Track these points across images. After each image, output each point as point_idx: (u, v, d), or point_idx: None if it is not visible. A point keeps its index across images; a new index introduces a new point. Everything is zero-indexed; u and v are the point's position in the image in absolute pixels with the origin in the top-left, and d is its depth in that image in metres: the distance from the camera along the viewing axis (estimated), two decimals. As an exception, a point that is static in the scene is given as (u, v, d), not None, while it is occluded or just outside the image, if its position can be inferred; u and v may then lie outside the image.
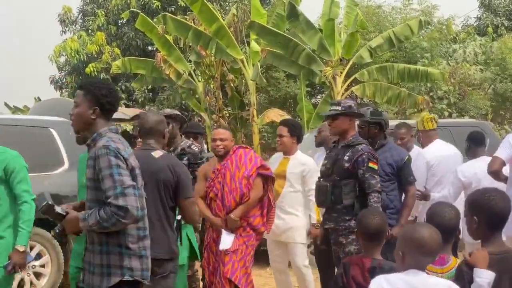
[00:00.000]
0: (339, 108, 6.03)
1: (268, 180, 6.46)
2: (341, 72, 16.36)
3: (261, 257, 8.49)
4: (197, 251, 6.10)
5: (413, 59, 20.13)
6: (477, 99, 19.52)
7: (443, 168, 7.41)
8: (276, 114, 17.24)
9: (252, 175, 6.30)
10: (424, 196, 7.13)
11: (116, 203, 3.67)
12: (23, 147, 7.44)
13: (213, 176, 6.41)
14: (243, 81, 18.80)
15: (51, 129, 8.09)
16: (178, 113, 7.00)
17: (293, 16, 15.85)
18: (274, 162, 7.22)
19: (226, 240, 6.25)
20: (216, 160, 6.52)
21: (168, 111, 7.03)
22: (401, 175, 6.46)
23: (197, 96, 19.37)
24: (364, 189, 5.84)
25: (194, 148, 6.90)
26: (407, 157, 6.52)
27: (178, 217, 5.19)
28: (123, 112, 9.72)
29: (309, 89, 21.28)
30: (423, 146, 7.78)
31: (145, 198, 4.35)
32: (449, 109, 18.45)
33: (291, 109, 20.79)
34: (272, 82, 20.21)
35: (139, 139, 6.48)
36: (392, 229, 6.09)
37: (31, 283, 7.77)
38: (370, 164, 5.85)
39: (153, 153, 4.96)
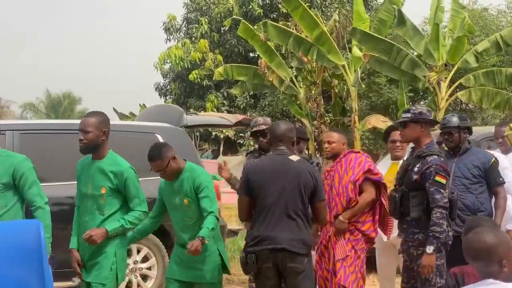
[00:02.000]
0: (408, 115, 5.85)
1: (380, 185, 6.36)
2: (446, 77, 16.03)
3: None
4: (228, 265, 5.80)
5: (521, 63, 19.53)
6: None
7: None
8: (377, 120, 17.06)
9: (358, 180, 6.23)
10: None
11: None
12: (130, 152, 7.67)
13: (323, 177, 6.38)
14: (345, 87, 18.71)
15: (156, 135, 8.24)
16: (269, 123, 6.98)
17: (401, 22, 15.70)
18: (381, 168, 7.10)
19: None
20: (331, 163, 6.58)
21: (262, 121, 7.04)
22: (489, 177, 6.37)
23: (298, 102, 19.40)
24: (429, 203, 5.62)
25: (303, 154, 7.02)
26: (493, 159, 6.41)
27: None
28: (225, 117, 9.79)
29: (411, 94, 20.98)
30: None
31: (286, 197, 5.09)
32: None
33: (393, 115, 20.54)
34: (374, 88, 20.03)
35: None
36: None
37: (138, 285, 7.95)
38: (437, 178, 5.59)
39: (291, 157, 5.25)
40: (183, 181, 5.59)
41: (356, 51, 16.93)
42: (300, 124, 20.43)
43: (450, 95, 16.44)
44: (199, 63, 23.41)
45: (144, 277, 8.04)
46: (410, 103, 19.53)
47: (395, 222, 6.37)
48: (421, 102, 22.53)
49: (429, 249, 5.54)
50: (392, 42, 16.13)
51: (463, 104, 20.86)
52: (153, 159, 5.60)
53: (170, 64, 24.76)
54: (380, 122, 16.41)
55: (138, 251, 7.95)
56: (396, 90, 19.89)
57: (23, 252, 3.43)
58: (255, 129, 6.89)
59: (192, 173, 5.59)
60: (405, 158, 6.37)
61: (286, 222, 5.12)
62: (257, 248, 5.11)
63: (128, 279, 7.93)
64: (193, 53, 23.30)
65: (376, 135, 19.26)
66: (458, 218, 6.18)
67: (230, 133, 18.32)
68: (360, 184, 6.28)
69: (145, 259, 8.00)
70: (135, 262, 7.90)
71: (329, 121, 20.05)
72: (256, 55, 21.31)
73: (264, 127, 6.87)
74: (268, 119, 7.15)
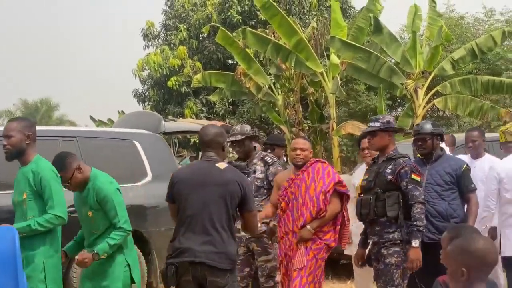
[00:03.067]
0: (377, 124, 6.02)
1: (343, 197, 6.40)
2: (423, 85, 16.17)
3: (342, 271, 8.46)
4: (136, 277, 5.65)
5: (497, 71, 19.70)
6: None
7: None
8: (353, 127, 17.12)
9: (329, 191, 6.23)
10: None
11: None
12: (108, 159, 7.71)
13: (287, 185, 6.40)
14: (323, 94, 18.80)
15: (135, 142, 8.24)
16: (248, 131, 7.06)
17: (378, 30, 15.84)
18: (359, 174, 7.16)
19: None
20: (292, 170, 6.51)
21: (239, 130, 7.09)
22: (461, 184, 6.47)
23: (277, 109, 19.45)
24: (407, 201, 5.80)
25: (267, 159, 7.04)
26: (465, 166, 6.53)
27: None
28: (202, 124, 9.82)
29: (389, 102, 21.11)
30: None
31: (210, 208, 4.74)
32: (534, 123, 17.96)
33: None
34: (352, 95, 20.15)
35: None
36: None
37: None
38: (413, 176, 5.82)
39: (217, 165, 4.94)
40: (88, 192, 5.38)
41: (334, 58, 17.03)
42: (278, 131, 20.49)
43: (427, 102, 16.59)
44: (177, 69, 23.39)
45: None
46: (388, 110, 19.70)
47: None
48: (399, 109, 22.71)
49: (415, 243, 5.69)
50: (370, 50, 16.26)
51: (440, 111, 21.02)
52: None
53: (149, 70, 24.72)
54: (356, 128, 16.48)
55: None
56: (374, 97, 20.01)
57: (-2, 259, 3.42)
58: (231, 138, 6.92)
59: (94, 183, 5.37)
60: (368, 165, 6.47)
61: (209, 235, 4.77)
62: (177, 260, 4.79)
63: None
64: (172, 59, 23.28)
65: (354, 142, 19.35)
66: (432, 225, 6.30)
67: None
68: (330, 195, 6.28)
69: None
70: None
71: (307, 128, 20.12)
72: (235, 62, 21.34)
73: (240, 137, 6.95)
74: (246, 127, 7.17)
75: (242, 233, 6.89)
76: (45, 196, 5.25)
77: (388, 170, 5.90)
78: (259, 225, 6.97)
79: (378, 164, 6.05)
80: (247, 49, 18.20)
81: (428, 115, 20.47)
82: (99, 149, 7.80)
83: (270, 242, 7.02)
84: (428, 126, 6.61)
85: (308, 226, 6.20)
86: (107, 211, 5.35)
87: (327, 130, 18.40)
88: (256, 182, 6.96)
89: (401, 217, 5.81)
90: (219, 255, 4.78)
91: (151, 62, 23.56)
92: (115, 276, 5.42)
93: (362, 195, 6.15)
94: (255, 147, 7.21)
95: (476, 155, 7.70)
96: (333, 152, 17.84)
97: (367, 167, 6.67)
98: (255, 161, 7.03)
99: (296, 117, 19.14)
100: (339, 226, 6.41)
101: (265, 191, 7.01)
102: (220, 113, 23.23)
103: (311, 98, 19.08)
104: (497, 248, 3.26)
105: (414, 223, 5.73)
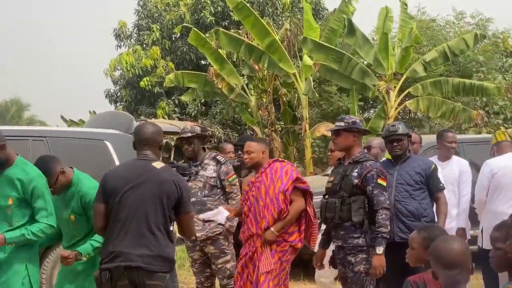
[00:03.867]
0: (342, 124, 5.97)
1: (307, 194, 6.30)
2: (395, 87, 16.26)
3: (314, 272, 8.48)
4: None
5: (467, 73, 19.86)
6: (534, 114, 19.14)
7: (508, 180, 7.26)
8: (327, 128, 17.20)
9: (288, 189, 6.13)
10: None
11: None
12: (78, 159, 7.62)
13: (248, 189, 6.34)
14: (296, 95, 18.82)
15: (106, 142, 8.18)
16: (198, 131, 7.14)
17: (351, 32, 15.89)
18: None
19: (223, 215, 6.43)
20: (254, 173, 6.44)
21: (188, 128, 7.19)
22: (429, 183, 6.49)
23: (249, 110, 19.44)
24: (372, 206, 5.76)
25: (219, 158, 7.10)
26: (433, 165, 6.59)
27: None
28: (175, 125, 9.77)
29: (361, 103, 21.20)
30: None
31: (145, 209, 4.53)
32: (505, 124, 18.08)
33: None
34: (325, 96, 20.19)
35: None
36: None
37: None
38: (379, 181, 5.79)
39: (154, 164, 4.69)
40: (72, 195, 5.27)
41: (306, 59, 17.06)
42: (251, 132, 20.47)
43: (399, 104, 16.68)
44: (150, 70, 23.27)
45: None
46: (360, 111, 19.76)
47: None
48: (371, 111, 22.79)
49: (379, 249, 5.65)
50: (343, 51, 16.32)
51: (412, 113, 21.15)
52: None
53: (121, 71, 24.58)
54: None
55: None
56: (346, 99, 20.07)
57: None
58: (181, 135, 7.05)
59: (78, 187, 5.27)
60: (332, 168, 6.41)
61: (144, 237, 4.54)
62: (111, 265, 4.50)
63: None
64: (145, 60, 23.15)
65: (327, 143, 19.40)
66: (403, 225, 6.32)
67: (174, 140, 18.27)
68: (289, 193, 6.17)
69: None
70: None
71: (280, 129, 20.13)
72: (208, 63, 21.29)
73: (189, 134, 7.04)
74: (197, 128, 7.26)
75: (198, 236, 6.92)
76: (37, 205, 5.14)
77: (355, 174, 5.84)
78: (215, 225, 6.98)
79: (344, 167, 5.98)
80: (220, 50, 18.17)
81: (400, 117, 20.59)
82: (69, 149, 7.73)
83: (226, 243, 7.05)
84: (403, 127, 6.61)
85: (272, 228, 6.07)
86: (91, 216, 5.17)
87: (300, 131, 18.42)
88: (210, 182, 7.02)
89: (366, 222, 5.77)
90: (155, 258, 4.57)
91: (124, 62, 23.42)
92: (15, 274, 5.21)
93: (326, 196, 6.07)
94: (219, 148, 7.24)
95: (445, 157, 7.76)
96: (305, 153, 17.86)
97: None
98: (206, 161, 7.07)
99: (269, 118, 19.13)
100: (303, 226, 6.30)
101: (218, 190, 7.04)
102: (193, 114, 23.16)
103: (284, 99, 19.09)
104: (469, 249, 3.28)
105: (379, 229, 5.69)
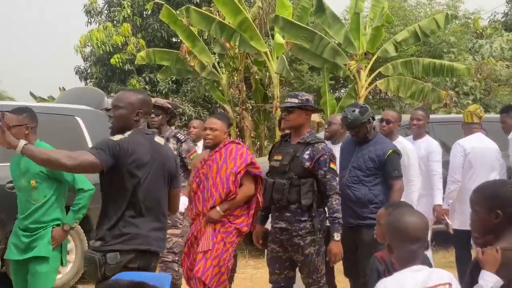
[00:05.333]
0: (296, 100, 5.76)
1: (258, 180, 6.16)
2: (366, 66, 16.33)
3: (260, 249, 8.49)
4: (65, 259, 5.72)
5: (438, 54, 20.00)
6: (503, 95, 19.37)
7: (479, 160, 7.46)
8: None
9: (240, 172, 5.99)
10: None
11: None
12: (49, 135, 7.56)
13: (200, 166, 6.21)
14: (267, 73, 18.82)
15: (76, 117, 8.14)
16: (169, 106, 7.11)
17: (320, 10, 15.87)
18: None
19: (182, 203, 6.20)
20: (208, 151, 6.32)
21: (160, 101, 7.13)
22: (384, 170, 6.31)
23: (220, 88, 19.40)
24: (323, 190, 5.65)
25: (179, 136, 7.04)
26: (390, 151, 6.34)
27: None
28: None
29: (332, 82, 21.26)
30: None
31: (158, 189, 4.47)
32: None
33: (314, 103, 20.72)
34: (296, 75, 20.19)
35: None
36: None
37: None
38: (331, 165, 5.66)
39: (157, 140, 4.60)
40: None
41: (278, 38, 17.05)
42: (222, 110, 20.44)
43: (370, 84, 16.75)
44: (121, 47, 23.07)
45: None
46: (331, 91, 19.80)
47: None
48: (342, 90, 22.87)
49: (337, 236, 5.59)
50: (314, 30, 16.33)
51: (382, 93, 21.27)
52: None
53: (91, 47, 24.33)
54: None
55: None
56: (317, 78, 20.11)
57: None
58: (155, 103, 6.86)
59: None
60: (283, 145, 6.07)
61: (159, 221, 4.54)
62: (126, 247, 4.38)
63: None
64: (115, 37, 22.90)
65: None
66: (350, 210, 6.21)
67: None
68: (241, 177, 6.04)
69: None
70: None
71: (251, 107, 20.13)
72: (179, 40, 21.13)
73: (162, 104, 7.01)
74: (165, 101, 7.25)
75: None
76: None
77: (306, 156, 5.68)
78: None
79: (293, 146, 5.79)
80: (191, 28, 18.07)
81: (370, 96, 20.71)
82: (41, 124, 7.59)
83: (181, 217, 6.96)
84: (358, 116, 6.31)
85: (217, 208, 5.95)
86: (62, 178, 5.36)
87: (271, 110, 18.44)
88: None
89: (315, 205, 5.66)
90: (164, 241, 4.65)
91: (94, 39, 23.16)
92: (45, 243, 5.43)
93: (269, 175, 5.90)
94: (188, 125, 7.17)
95: (417, 136, 7.83)
96: (276, 132, 17.91)
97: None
98: (167, 138, 6.92)
99: (240, 96, 19.13)
100: (253, 211, 6.17)
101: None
102: (164, 92, 23.02)
103: (255, 78, 19.08)
104: (427, 224, 3.32)
105: (334, 215, 5.61)
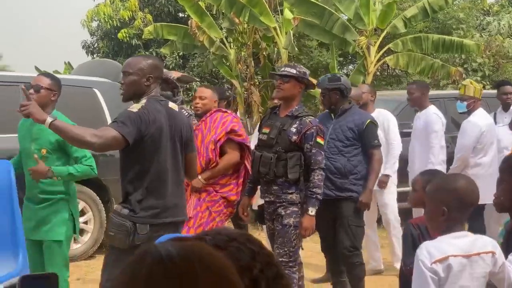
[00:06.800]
0: (293, 71, 5.68)
1: (244, 147, 6.17)
2: (375, 42, 16.31)
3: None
4: (78, 227, 5.69)
5: (446, 30, 19.97)
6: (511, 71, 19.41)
7: (490, 136, 7.55)
8: (307, 82, 17.23)
9: (220, 140, 5.99)
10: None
11: None
12: (67, 106, 7.63)
13: None
14: (276, 49, 18.80)
15: (95, 89, 8.20)
16: (169, 77, 7.05)
17: (330, -16, 15.85)
18: None
19: None
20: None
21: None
22: (363, 140, 6.32)
23: (228, 63, 19.39)
24: (309, 164, 5.58)
25: (183, 112, 6.98)
26: (368, 121, 6.36)
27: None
28: (164, 74, 9.78)
29: (341, 59, 21.24)
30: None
31: (177, 159, 4.46)
32: (483, 82, 18.31)
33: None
34: (304, 51, 20.17)
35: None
36: (361, 196, 6.18)
37: (74, 239, 7.96)
38: (318, 139, 5.59)
39: (171, 106, 4.60)
40: (45, 128, 4.83)
41: (287, 13, 17.00)
42: (229, 85, 20.46)
43: (379, 60, 16.75)
44: (128, 21, 23.05)
45: (81, 232, 8.05)
46: (340, 67, 19.78)
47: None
48: (350, 66, 22.87)
49: (312, 211, 5.51)
50: (324, 6, 16.29)
51: (390, 69, 21.27)
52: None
53: (98, 22, 24.31)
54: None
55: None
56: (326, 54, 20.09)
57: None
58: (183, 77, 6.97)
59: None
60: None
61: (180, 190, 4.63)
62: (154, 221, 4.47)
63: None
64: (122, 11, 22.88)
65: (305, 97, 19.47)
66: (329, 182, 6.18)
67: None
68: (222, 145, 6.03)
69: (81, 213, 8.00)
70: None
71: (258, 83, 20.14)
72: (186, 15, 21.12)
73: (179, 75, 6.97)
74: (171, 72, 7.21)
75: None
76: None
77: (293, 129, 5.61)
78: None
79: (281, 119, 5.70)
80: (199, 2, 18.03)
81: (378, 73, 20.69)
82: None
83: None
84: (324, 81, 6.43)
85: (199, 176, 5.89)
86: (70, 151, 5.26)
87: (279, 85, 18.39)
88: None
89: (302, 179, 5.59)
90: (184, 209, 4.72)
91: (101, 13, 23.15)
92: (58, 222, 5.36)
93: (258, 148, 5.83)
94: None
95: (419, 108, 7.97)
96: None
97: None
98: None
99: (248, 72, 19.10)
100: (242, 179, 6.17)
101: None
102: (170, 67, 23.02)
103: (264, 53, 19.06)
104: (478, 190, 3.36)
105: (313, 189, 5.54)
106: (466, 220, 3.36)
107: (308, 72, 5.86)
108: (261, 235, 9.39)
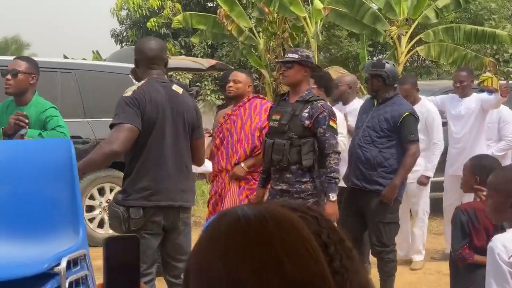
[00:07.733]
0: (295, 55, 5.47)
1: None
2: (407, 32, 16.21)
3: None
4: None
5: (478, 21, 19.81)
6: (543, 63, 19.22)
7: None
8: (336, 72, 17.09)
9: (265, 127, 5.81)
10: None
11: None
12: (103, 92, 7.70)
13: (223, 121, 6.09)
14: (305, 38, 18.75)
15: (131, 76, 8.23)
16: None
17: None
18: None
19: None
20: (231, 107, 6.23)
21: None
22: (399, 133, 5.99)
23: (257, 53, 19.37)
24: (323, 149, 5.33)
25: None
26: (406, 114, 5.98)
27: None
28: (198, 62, 9.79)
29: (371, 49, 21.15)
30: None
31: (179, 141, 4.39)
32: (515, 72, 18.20)
33: (352, 69, 20.68)
34: (334, 41, 20.11)
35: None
36: (384, 189, 5.87)
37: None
38: (331, 123, 5.35)
39: (174, 89, 4.52)
40: (30, 109, 5.08)
41: (317, 3, 16.92)
42: (257, 76, 20.45)
43: (410, 50, 16.65)
44: (157, 11, 23.12)
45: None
46: (370, 57, 19.68)
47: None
48: (380, 56, 22.75)
49: (333, 196, 5.33)
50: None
51: (420, 60, 21.14)
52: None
53: (127, 11, 24.41)
54: (339, 73, 16.47)
55: (111, 190, 8.00)
56: (356, 44, 20.02)
57: (55, 169, 3.45)
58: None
59: (39, 105, 5.23)
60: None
61: (182, 172, 4.52)
62: (147, 203, 4.38)
63: (101, 218, 7.99)
64: (152, 0, 22.98)
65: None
66: (359, 171, 6.04)
67: (189, 77, 18.34)
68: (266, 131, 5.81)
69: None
70: (108, 201, 7.95)
71: (288, 72, 20.08)
72: (215, 5, 21.14)
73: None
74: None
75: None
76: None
77: (305, 114, 5.38)
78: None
79: (292, 105, 5.49)
80: (229, -8, 18.03)
81: (408, 64, 20.59)
82: (97, 82, 7.80)
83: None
84: (367, 66, 6.30)
85: (242, 164, 5.86)
86: (47, 127, 5.18)
87: (308, 75, 18.35)
88: None
89: (316, 166, 5.37)
90: (189, 194, 4.63)
91: (130, 2, 23.24)
92: None
93: (269, 136, 5.59)
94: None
95: (464, 95, 7.87)
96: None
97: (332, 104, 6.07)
98: None
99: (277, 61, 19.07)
100: None
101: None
102: (199, 56, 23.06)
103: (292, 43, 19.01)
104: None
105: (331, 175, 5.31)
106: None
107: (311, 54, 5.69)
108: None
